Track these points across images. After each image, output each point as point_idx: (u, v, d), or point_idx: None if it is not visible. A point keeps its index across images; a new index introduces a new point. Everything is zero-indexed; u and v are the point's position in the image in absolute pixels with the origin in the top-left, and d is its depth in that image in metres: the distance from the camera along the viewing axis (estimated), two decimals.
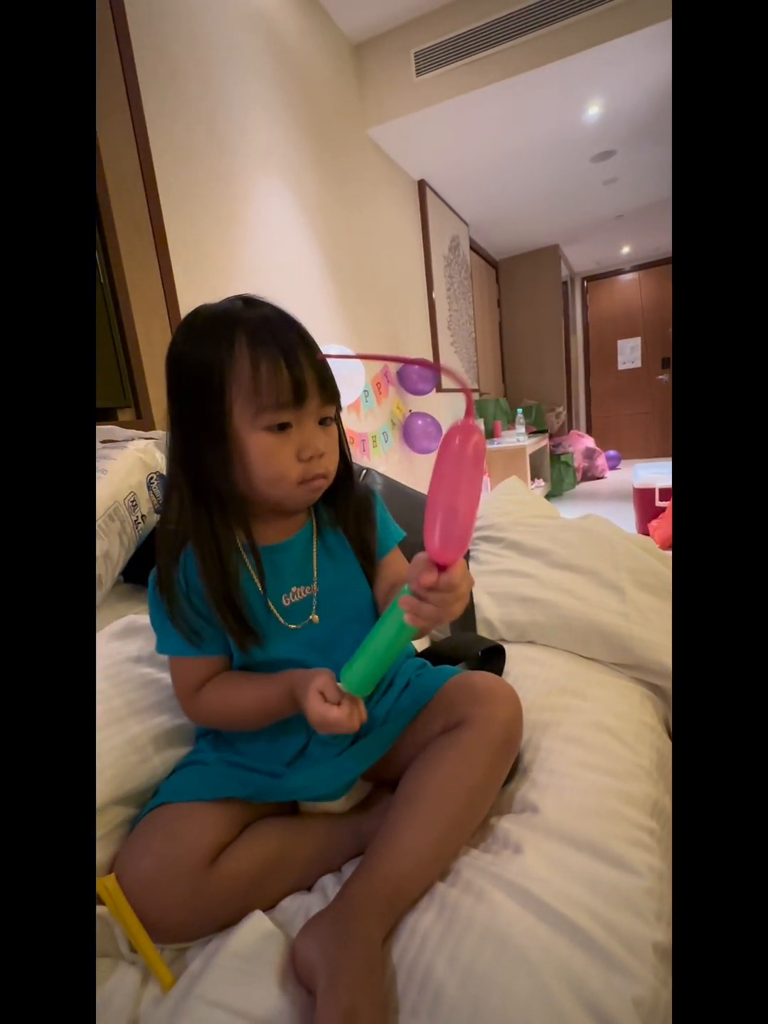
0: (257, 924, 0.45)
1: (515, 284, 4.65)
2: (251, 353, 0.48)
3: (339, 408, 0.56)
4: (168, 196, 1.37)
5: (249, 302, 0.53)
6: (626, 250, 4.93)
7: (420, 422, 2.68)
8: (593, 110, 2.46)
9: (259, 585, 0.55)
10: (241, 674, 0.57)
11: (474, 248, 3.94)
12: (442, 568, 0.41)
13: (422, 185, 2.99)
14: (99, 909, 0.44)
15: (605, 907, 0.42)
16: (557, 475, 4.16)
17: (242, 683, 0.56)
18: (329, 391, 0.52)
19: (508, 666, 0.77)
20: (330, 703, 0.47)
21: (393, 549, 0.64)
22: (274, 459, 0.51)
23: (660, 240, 4.62)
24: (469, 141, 2.61)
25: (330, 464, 0.55)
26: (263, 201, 1.75)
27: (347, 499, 0.60)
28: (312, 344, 0.52)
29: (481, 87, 2.18)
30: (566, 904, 0.42)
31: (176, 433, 0.53)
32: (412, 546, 0.98)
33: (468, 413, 0.39)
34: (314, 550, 0.60)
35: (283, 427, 0.50)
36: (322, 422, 0.53)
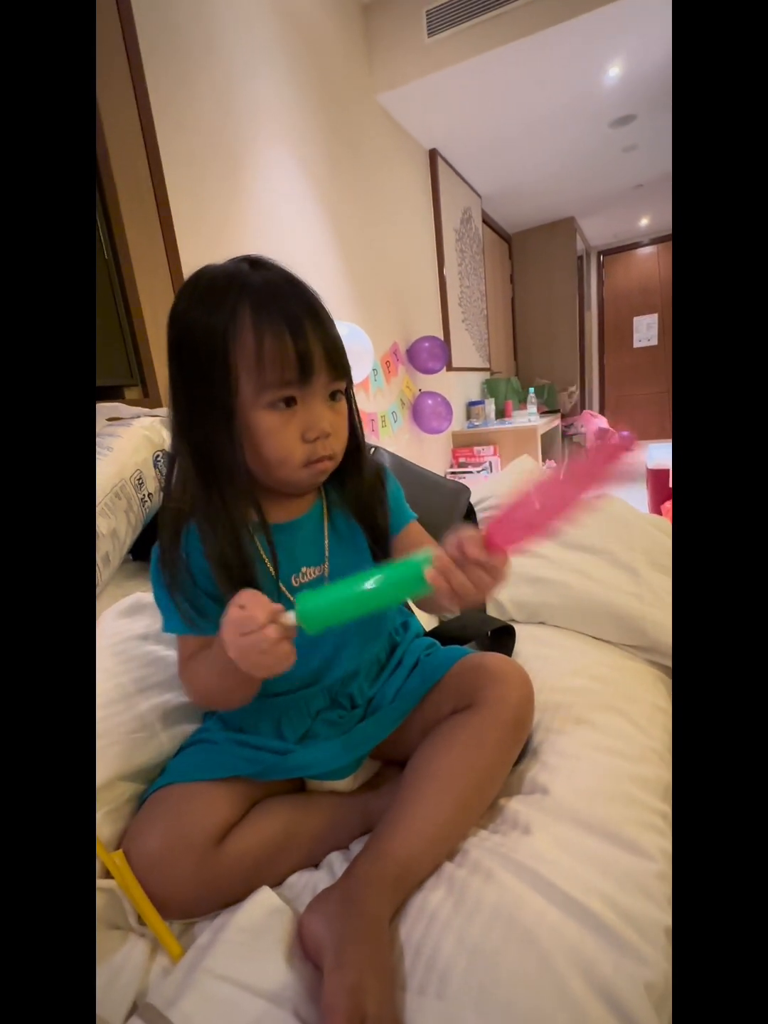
0: (264, 900, 0.45)
1: (528, 259, 4.52)
2: (255, 325, 0.45)
3: (351, 383, 0.53)
4: (171, 166, 1.33)
5: (256, 264, 0.50)
6: (645, 222, 4.76)
7: (430, 401, 2.64)
8: (613, 71, 2.34)
9: (270, 566, 0.52)
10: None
11: (486, 221, 3.83)
12: (495, 550, 0.40)
13: (433, 155, 2.89)
14: (109, 883, 0.45)
15: (616, 891, 0.42)
16: (569, 456, 4.11)
17: (204, 654, 0.50)
18: (339, 365, 0.49)
19: (518, 647, 0.76)
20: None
21: (407, 525, 0.61)
22: (278, 439, 0.48)
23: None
24: (482, 107, 2.51)
25: (337, 445, 0.52)
26: (268, 171, 1.69)
27: (357, 478, 0.57)
28: (322, 313, 0.49)
29: (495, 47, 2.09)
30: (576, 887, 0.41)
31: (179, 404, 0.50)
32: (427, 526, 0.97)
33: (617, 445, 0.40)
34: (324, 530, 0.57)
35: (289, 402, 0.47)
36: (332, 397, 0.50)
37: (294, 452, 0.49)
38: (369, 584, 0.41)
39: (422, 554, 0.41)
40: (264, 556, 0.52)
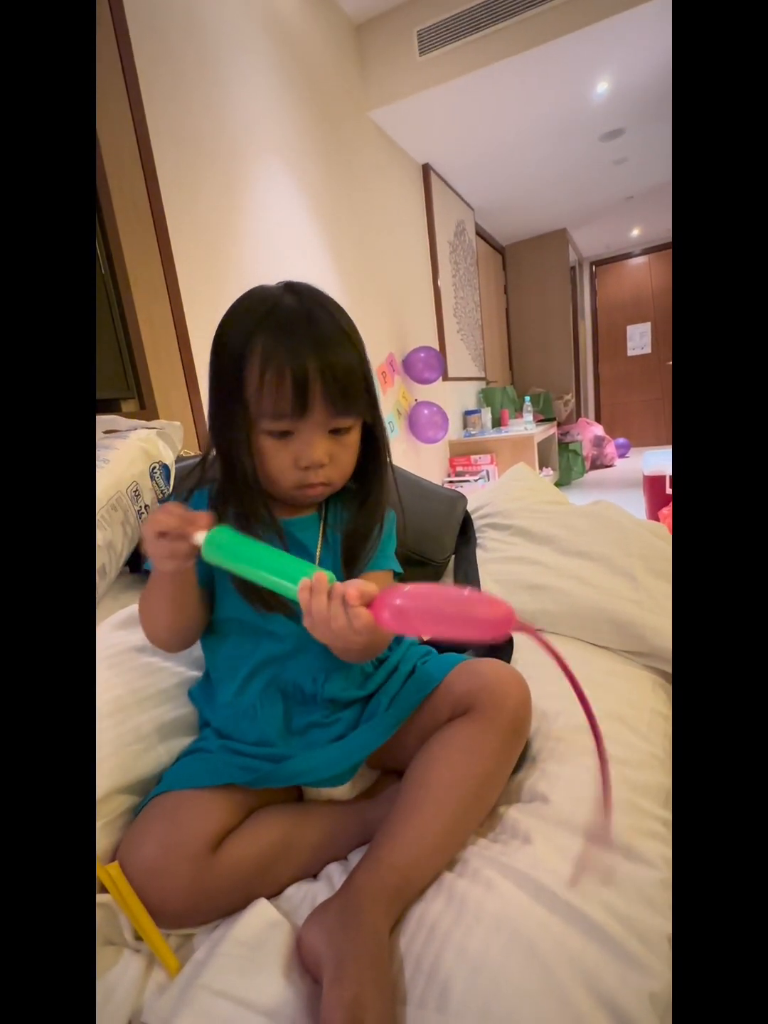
0: (262, 912, 0.45)
1: (522, 270, 4.58)
2: (262, 357, 0.48)
3: (369, 417, 0.56)
4: (167, 182, 1.35)
5: (292, 292, 0.52)
6: (636, 233, 4.83)
7: (426, 411, 2.65)
8: (602, 87, 2.40)
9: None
10: None
11: (480, 234, 3.88)
12: (371, 607, 0.40)
13: (426, 169, 2.94)
14: (103, 897, 0.44)
15: (619, 900, 0.41)
16: (565, 464, 4.12)
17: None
18: (342, 405, 0.51)
19: (517, 654, 0.76)
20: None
21: (375, 573, 0.59)
22: (271, 461, 0.52)
23: (671, 222, 4.52)
24: (474, 122, 2.56)
25: (333, 473, 0.54)
26: (264, 186, 1.72)
27: (359, 512, 0.59)
28: (334, 350, 0.49)
29: (486, 65, 2.13)
30: (578, 896, 0.41)
31: (211, 409, 0.55)
32: (424, 534, 0.96)
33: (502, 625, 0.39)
34: (319, 537, 0.59)
35: (283, 435, 0.51)
36: (336, 432, 0.52)
37: (286, 475, 0.53)
38: (269, 559, 0.43)
39: (315, 568, 0.42)
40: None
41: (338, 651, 0.51)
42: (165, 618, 0.55)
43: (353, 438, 0.55)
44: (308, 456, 0.51)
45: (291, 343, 0.48)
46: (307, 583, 0.41)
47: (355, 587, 0.40)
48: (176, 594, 0.53)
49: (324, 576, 0.41)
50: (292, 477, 0.52)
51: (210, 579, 0.58)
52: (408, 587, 0.40)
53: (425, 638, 0.66)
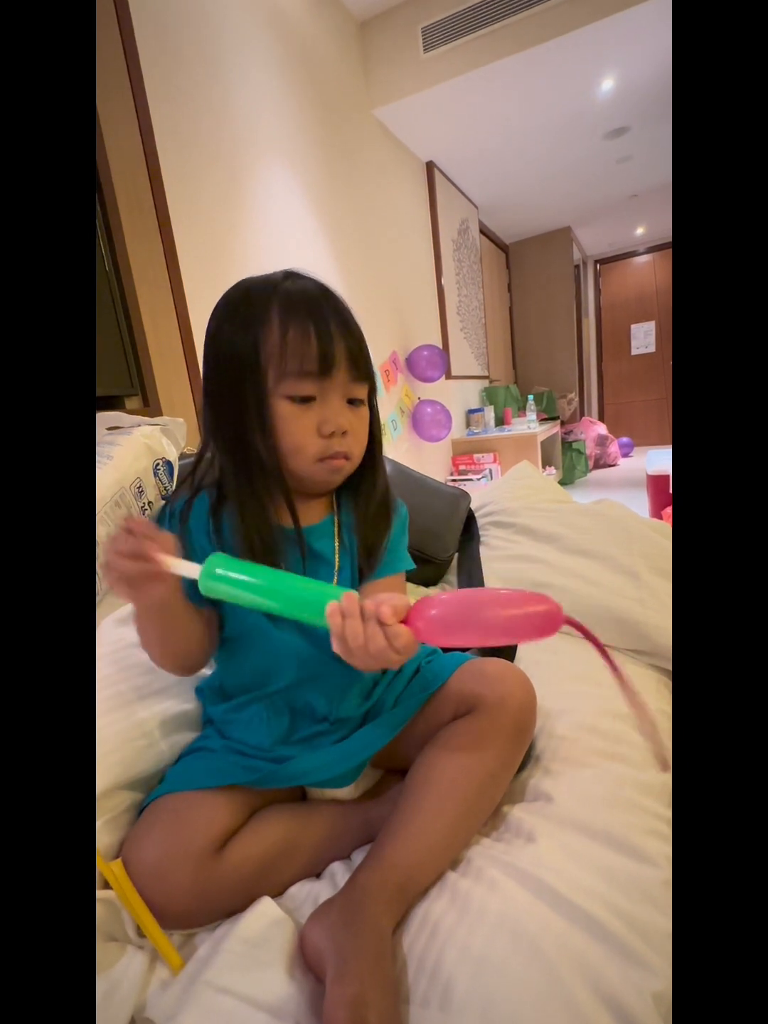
0: (265, 910, 0.45)
1: (526, 268, 4.56)
2: (281, 321, 0.48)
3: (373, 393, 0.55)
4: (171, 180, 1.34)
5: (291, 275, 0.53)
6: (640, 231, 4.80)
7: (429, 410, 2.65)
8: (606, 84, 2.38)
9: (302, 563, 0.53)
10: None
11: (484, 231, 3.87)
12: (407, 624, 0.39)
13: (430, 167, 2.93)
14: (107, 893, 0.44)
15: (622, 898, 0.41)
16: (569, 463, 4.11)
17: None
18: (361, 371, 0.51)
19: (520, 653, 0.76)
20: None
21: (393, 576, 0.58)
22: (294, 428, 0.49)
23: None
24: (478, 120, 2.55)
25: (354, 444, 0.53)
26: (267, 184, 1.72)
27: (369, 494, 0.58)
28: (351, 322, 0.51)
29: (490, 62, 2.12)
30: (582, 895, 0.41)
31: (213, 398, 0.52)
32: (427, 532, 0.96)
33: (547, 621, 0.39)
34: (335, 543, 0.57)
35: (306, 399, 0.49)
36: (352, 402, 0.52)
37: (309, 444, 0.50)
38: (283, 585, 0.40)
39: (341, 589, 0.39)
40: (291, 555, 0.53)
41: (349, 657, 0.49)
42: (156, 649, 0.52)
43: (365, 412, 0.54)
44: (333, 420, 0.49)
45: (311, 306, 0.48)
46: (337, 607, 0.38)
47: (388, 604, 0.38)
48: (161, 623, 0.49)
49: (354, 597, 0.38)
50: (315, 447, 0.50)
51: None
52: (444, 596, 0.39)
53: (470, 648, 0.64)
